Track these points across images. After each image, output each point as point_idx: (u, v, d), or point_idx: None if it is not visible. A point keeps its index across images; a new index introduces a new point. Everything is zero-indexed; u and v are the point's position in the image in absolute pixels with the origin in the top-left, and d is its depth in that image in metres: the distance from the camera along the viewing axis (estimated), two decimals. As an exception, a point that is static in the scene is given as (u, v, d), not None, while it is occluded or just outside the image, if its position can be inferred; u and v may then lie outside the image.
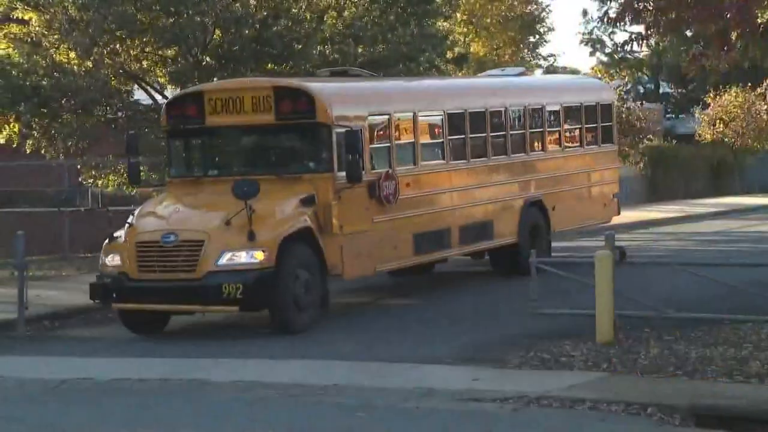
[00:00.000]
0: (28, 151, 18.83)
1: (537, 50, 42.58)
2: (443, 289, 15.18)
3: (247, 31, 17.74)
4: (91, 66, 17.78)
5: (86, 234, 20.70)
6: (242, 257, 11.77)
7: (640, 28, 12.99)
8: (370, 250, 13.08)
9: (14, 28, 18.32)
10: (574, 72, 43.31)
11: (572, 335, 11.18)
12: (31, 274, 15.55)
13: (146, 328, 12.50)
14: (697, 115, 37.32)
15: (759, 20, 12.51)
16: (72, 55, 17.81)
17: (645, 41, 13.11)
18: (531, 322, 11.89)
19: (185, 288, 11.79)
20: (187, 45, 17.74)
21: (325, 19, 18.79)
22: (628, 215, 27.01)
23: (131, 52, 18.02)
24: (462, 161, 14.82)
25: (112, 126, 18.41)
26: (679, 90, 42.72)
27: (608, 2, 12.78)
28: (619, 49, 41.78)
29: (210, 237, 11.81)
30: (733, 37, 12.40)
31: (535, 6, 41.28)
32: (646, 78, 44.24)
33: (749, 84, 33.69)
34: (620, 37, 47.50)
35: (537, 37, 41.85)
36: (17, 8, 18.11)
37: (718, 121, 34.28)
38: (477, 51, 38.25)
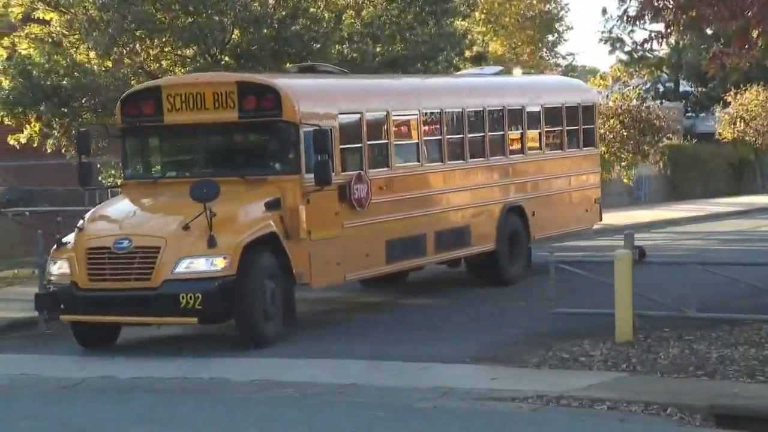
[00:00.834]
0: (48, 151, 18.94)
1: (555, 49, 42.50)
2: (459, 289, 15.10)
3: (265, 31, 17.77)
4: (110, 65, 17.87)
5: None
6: (201, 264, 10.91)
7: (659, 26, 12.89)
8: (340, 258, 12.34)
9: (35, 29, 18.47)
10: (593, 71, 43.17)
11: (591, 335, 11.14)
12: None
13: (96, 341, 11.70)
14: (717, 113, 37.08)
15: (781, 18, 12.38)
16: (92, 54, 17.91)
17: (665, 39, 13.00)
18: (549, 322, 11.84)
19: (139, 298, 10.96)
20: (206, 44, 17.79)
21: (343, 18, 18.80)
22: (647, 214, 26.90)
23: (150, 51, 18.10)
24: (438, 163, 14.09)
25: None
26: (700, 88, 42.44)
27: (628, 0, 12.80)
28: (638, 47, 41.56)
29: (167, 243, 10.97)
30: (755, 35, 12.30)
31: (554, 4, 41.20)
32: (666, 76, 43.99)
33: (770, 82, 33.46)
34: (640, 35, 47.34)
35: (555, 35, 41.77)
36: (38, 8, 18.26)
37: (738, 119, 34.04)
38: (495, 50, 38.20)
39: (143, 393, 9.68)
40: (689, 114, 42.77)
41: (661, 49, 38.24)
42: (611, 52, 44.25)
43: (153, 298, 10.94)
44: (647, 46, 13.09)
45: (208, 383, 9.90)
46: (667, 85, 43.62)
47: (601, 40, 44.19)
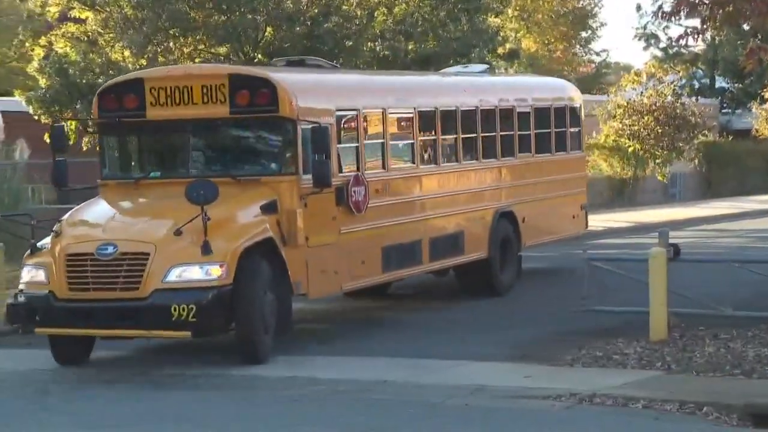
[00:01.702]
0: (84, 149, 19.14)
1: (589, 45, 42.25)
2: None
3: (298, 29, 17.84)
4: (145, 63, 18.02)
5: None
6: (196, 273, 9.92)
7: (695, 22, 12.76)
8: (337, 266, 11.39)
9: (71, 28, 18.70)
10: (627, 68, 42.83)
11: (625, 333, 11.06)
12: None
13: (71, 355, 10.61)
14: (754, 110, 36.66)
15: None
16: (127, 53, 18.08)
17: (701, 35, 12.86)
18: (583, 320, 11.77)
19: (126, 309, 9.90)
20: (239, 42, 17.91)
21: (375, 15, 18.82)
22: (682, 212, 26.68)
23: (184, 49, 18.23)
24: (433, 165, 13.25)
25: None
26: (736, 84, 41.99)
27: (663, -4, 12.67)
28: (673, 43, 41.22)
29: (156, 249, 9.93)
30: (793, 31, 12.14)
31: (588, 1, 40.94)
32: (701, 72, 43.57)
33: (809, 78, 33.05)
34: (675, 31, 46.89)
35: (589, 32, 41.52)
36: (74, 7, 18.49)
37: (776, 116, 33.67)
38: (528, 47, 38.06)
39: (176, 389, 9.68)
40: (725, 110, 42.33)
41: (697, 45, 37.87)
42: (646, 48, 44.01)
43: (142, 309, 9.88)
44: (683, 42, 12.95)
45: (241, 380, 9.91)
46: (703, 81, 43.19)
47: (635, 36, 43.91)
